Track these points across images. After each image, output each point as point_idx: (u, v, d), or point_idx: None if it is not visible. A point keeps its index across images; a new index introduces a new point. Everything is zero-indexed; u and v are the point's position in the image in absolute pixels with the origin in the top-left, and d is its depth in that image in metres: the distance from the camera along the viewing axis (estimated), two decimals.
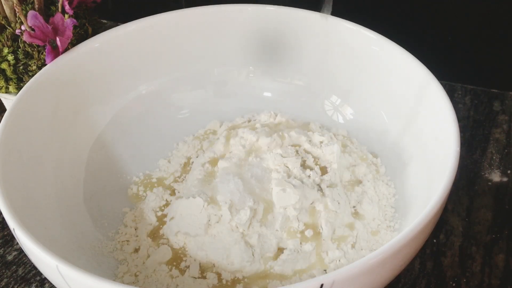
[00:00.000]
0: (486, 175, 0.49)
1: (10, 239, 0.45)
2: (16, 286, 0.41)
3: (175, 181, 0.46)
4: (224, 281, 0.37)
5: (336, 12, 0.47)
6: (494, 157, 0.51)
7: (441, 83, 0.40)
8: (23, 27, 0.44)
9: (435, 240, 0.43)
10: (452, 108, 0.37)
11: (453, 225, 0.45)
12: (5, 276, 0.42)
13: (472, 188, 0.48)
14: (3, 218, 0.41)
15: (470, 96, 0.58)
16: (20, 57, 0.45)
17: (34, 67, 0.45)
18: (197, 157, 0.46)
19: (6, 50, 0.45)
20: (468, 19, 0.57)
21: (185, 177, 0.45)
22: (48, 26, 0.43)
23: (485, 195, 0.47)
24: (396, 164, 0.43)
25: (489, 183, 0.48)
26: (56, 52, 0.43)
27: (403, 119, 0.43)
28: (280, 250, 0.38)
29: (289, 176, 0.39)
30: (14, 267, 0.43)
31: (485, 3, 0.55)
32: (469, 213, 0.46)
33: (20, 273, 0.42)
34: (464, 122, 0.54)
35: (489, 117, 0.55)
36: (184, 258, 0.39)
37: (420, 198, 0.38)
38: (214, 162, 0.42)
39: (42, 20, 0.43)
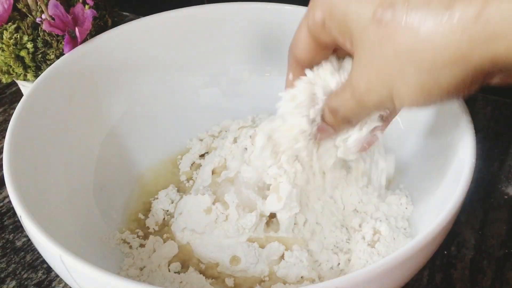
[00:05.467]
0: (503, 188, 0.48)
1: (20, 225, 0.45)
2: (23, 272, 0.42)
3: (187, 177, 0.46)
4: (227, 281, 0.37)
5: None
6: None
7: None
8: (43, 16, 0.44)
9: (446, 252, 0.43)
10: (470, 119, 0.37)
11: (465, 238, 0.44)
12: (13, 261, 0.42)
13: (487, 201, 0.47)
14: None
15: (491, 107, 0.57)
16: (39, 46, 0.45)
17: (52, 56, 0.46)
18: (209, 154, 0.46)
19: (25, 38, 0.45)
20: None
21: (196, 174, 0.45)
22: (68, 16, 0.44)
23: (500, 208, 0.46)
24: (411, 173, 0.43)
25: (505, 197, 0.47)
26: (74, 42, 0.43)
27: (420, 126, 0.43)
28: (285, 254, 0.37)
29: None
30: (22, 253, 0.43)
31: None
32: (482, 226, 0.45)
33: (28, 259, 0.43)
34: (483, 133, 0.53)
35: (509, 129, 0.54)
36: (189, 255, 0.38)
37: (433, 209, 0.37)
38: (224, 160, 0.42)
39: (62, 10, 0.43)
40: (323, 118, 0.34)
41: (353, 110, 0.31)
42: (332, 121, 0.33)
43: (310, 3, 0.31)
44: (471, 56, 0.24)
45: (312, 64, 0.34)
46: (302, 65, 0.34)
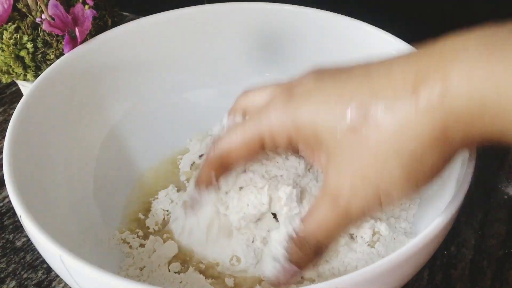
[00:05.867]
0: (502, 188, 0.48)
1: (20, 225, 0.45)
2: (23, 272, 0.42)
3: (187, 177, 0.46)
4: (227, 281, 0.37)
5: (350, 12, 0.47)
6: None
7: None
8: (43, 16, 0.44)
9: (445, 252, 0.43)
10: None
11: (465, 238, 0.44)
12: (13, 261, 0.42)
13: (487, 201, 0.47)
14: None
15: None
16: (39, 46, 0.45)
17: (52, 56, 0.46)
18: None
19: (25, 38, 0.45)
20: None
21: (195, 174, 0.45)
22: (68, 16, 0.44)
23: (500, 208, 0.46)
24: None
25: (505, 197, 0.47)
26: (74, 43, 0.43)
27: None
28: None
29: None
30: (22, 253, 0.43)
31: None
32: (482, 226, 0.45)
33: (28, 259, 0.43)
34: None
35: None
36: (189, 255, 0.38)
37: (433, 209, 0.37)
38: None
39: (62, 10, 0.43)
40: (288, 258, 0.30)
41: (333, 228, 0.29)
42: (300, 257, 0.30)
43: (264, 119, 0.30)
44: (447, 135, 0.25)
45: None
46: (229, 165, 0.33)
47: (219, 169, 0.34)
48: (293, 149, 0.30)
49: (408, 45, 0.43)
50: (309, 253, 0.30)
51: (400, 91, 0.25)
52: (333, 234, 0.29)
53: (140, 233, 0.41)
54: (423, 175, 0.27)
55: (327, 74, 0.30)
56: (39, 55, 0.46)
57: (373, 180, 0.27)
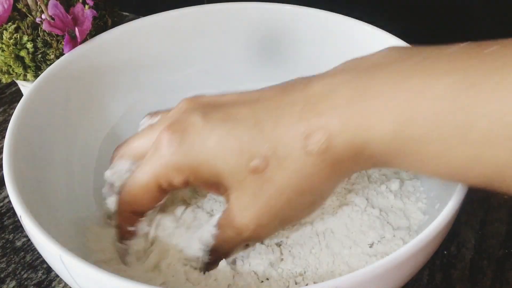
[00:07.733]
0: None
1: (20, 225, 0.45)
2: (23, 272, 0.42)
3: None
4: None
5: (350, 12, 0.47)
6: None
7: None
8: (43, 16, 0.44)
9: (445, 252, 0.43)
10: None
11: (465, 238, 0.44)
12: (13, 261, 0.42)
13: (487, 201, 0.47)
14: None
15: None
16: (39, 46, 0.45)
17: (52, 56, 0.46)
18: None
19: (25, 38, 0.45)
20: (494, 24, 0.56)
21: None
22: (68, 16, 0.44)
23: (500, 208, 0.46)
24: (410, 174, 0.43)
25: (505, 197, 0.47)
26: (74, 42, 0.43)
27: None
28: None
29: None
30: (22, 253, 0.43)
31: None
32: (482, 226, 0.45)
33: (28, 259, 0.43)
34: None
35: None
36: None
37: (433, 209, 0.37)
38: None
39: (62, 10, 0.43)
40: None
41: (232, 249, 0.34)
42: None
43: (156, 163, 0.31)
44: (337, 170, 0.29)
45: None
46: (141, 213, 0.35)
47: (133, 219, 0.35)
48: (191, 186, 0.33)
49: (408, 45, 0.43)
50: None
51: (292, 142, 0.29)
52: (230, 253, 0.34)
53: (140, 233, 0.41)
54: (320, 201, 0.32)
55: (212, 111, 0.31)
56: (39, 55, 0.46)
57: (279, 213, 0.30)
